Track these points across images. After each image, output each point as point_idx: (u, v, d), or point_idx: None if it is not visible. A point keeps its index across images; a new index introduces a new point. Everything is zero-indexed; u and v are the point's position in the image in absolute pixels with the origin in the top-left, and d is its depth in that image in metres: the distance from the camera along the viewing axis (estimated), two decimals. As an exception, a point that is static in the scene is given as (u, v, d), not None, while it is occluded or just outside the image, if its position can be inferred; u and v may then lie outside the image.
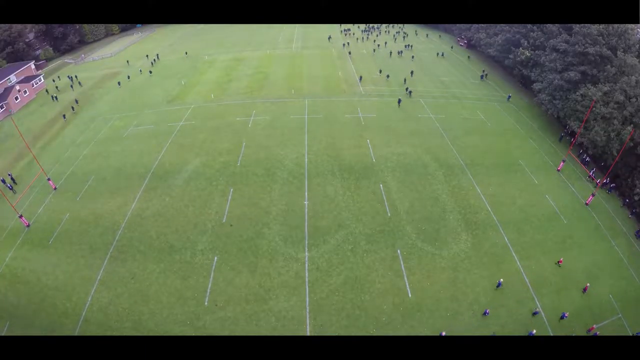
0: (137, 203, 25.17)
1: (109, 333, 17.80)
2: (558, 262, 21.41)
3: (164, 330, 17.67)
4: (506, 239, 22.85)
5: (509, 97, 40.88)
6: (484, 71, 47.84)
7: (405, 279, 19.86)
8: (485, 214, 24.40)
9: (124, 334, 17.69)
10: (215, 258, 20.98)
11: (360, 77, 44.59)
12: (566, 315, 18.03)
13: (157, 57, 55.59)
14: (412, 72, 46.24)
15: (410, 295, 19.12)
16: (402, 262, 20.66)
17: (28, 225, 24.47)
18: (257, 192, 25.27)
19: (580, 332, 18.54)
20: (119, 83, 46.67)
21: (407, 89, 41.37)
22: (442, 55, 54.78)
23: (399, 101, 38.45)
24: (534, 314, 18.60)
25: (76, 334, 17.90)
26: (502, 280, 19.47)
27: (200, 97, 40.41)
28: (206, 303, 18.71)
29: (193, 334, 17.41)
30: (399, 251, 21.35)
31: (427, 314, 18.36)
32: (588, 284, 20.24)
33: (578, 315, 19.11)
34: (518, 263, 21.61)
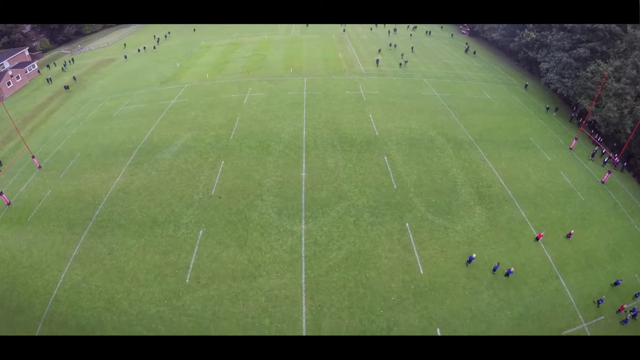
0: (121, 178, 22.11)
1: (79, 313, 14.97)
2: (568, 235, 18.65)
3: (138, 310, 14.64)
4: (523, 214, 19.84)
5: (527, 88, 38.10)
6: (467, 44, 47.78)
7: (416, 254, 16.81)
8: (498, 187, 21.38)
9: (96, 314, 14.78)
10: (201, 232, 17.92)
11: (379, 50, 44.28)
12: None
13: (168, 35, 54.98)
14: (412, 48, 45.86)
15: (422, 272, 16.09)
16: (411, 236, 17.60)
17: (9, 204, 21.48)
18: (251, 165, 22.18)
19: (610, 312, 15.71)
20: (125, 57, 45.61)
21: (403, 58, 40.88)
22: (429, 33, 54.90)
23: (377, 61, 39.50)
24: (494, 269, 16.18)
25: (45, 313, 15.13)
26: (474, 255, 16.52)
27: (195, 77, 37.31)
28: (187, 280, 15.66)
29: (170, 315, 14.38)
30: (407, 224, 18.29)
31: (442, 292, 15.32)
32: (572, 231, 18.68)
33: (606, 295, 16.18)
34: (538, 239, 18.60)
